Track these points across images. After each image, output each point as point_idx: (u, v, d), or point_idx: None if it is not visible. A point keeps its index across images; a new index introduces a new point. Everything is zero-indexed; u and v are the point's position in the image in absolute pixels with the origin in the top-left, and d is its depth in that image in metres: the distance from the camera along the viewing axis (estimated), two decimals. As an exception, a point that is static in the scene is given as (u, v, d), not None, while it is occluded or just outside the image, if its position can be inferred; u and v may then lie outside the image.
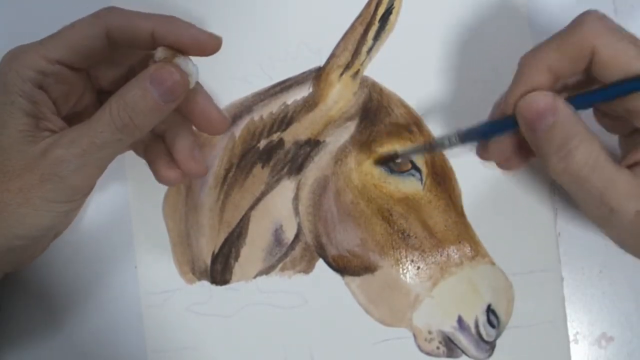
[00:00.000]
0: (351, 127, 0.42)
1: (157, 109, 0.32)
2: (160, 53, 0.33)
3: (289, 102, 0.42)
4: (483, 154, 0.36)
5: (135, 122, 0.32)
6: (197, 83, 0.35)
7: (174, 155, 0.36)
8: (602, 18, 0.32)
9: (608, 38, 0.31)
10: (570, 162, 0.31)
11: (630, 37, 0.31)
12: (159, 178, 0.37)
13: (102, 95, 0.37)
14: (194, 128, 0.37)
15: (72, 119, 0.35)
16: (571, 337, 0.41)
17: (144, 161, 0.38)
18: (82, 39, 0.33)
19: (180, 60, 0.33)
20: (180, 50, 0.33)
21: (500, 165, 0.36)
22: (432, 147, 0.36)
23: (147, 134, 0.35)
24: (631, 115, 0.32)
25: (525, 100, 0.32)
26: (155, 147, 0.37)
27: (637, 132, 0.33)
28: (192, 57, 0.34)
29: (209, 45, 0.34)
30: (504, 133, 0.34)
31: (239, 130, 0.42)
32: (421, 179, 0.41)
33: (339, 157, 0.41)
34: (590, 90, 0.33)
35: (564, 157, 0.32)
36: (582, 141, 0.31)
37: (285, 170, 0.42)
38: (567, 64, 0.32)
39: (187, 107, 0.35)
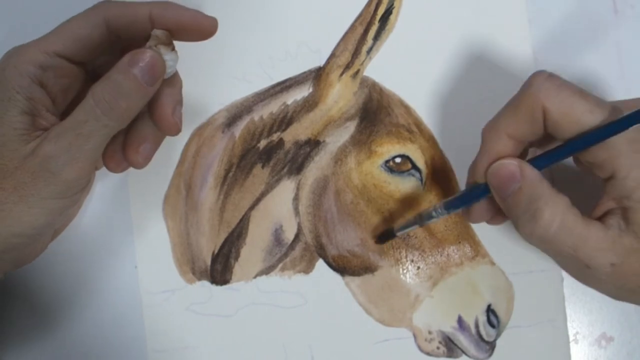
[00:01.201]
0: (351, 127, 0.42)
1: (140, 89, 0.32)
2: (154, 33, 0.33)
3: (289, 102, 0.42)
4: (468, 217, 0.37)
5: (122, 104, 0.32)
6: (178, 79, 0.35)
7: (125, 138, 0.36)
8: (549, 77, 0.32)
9: (556, 96, 0.32)
10: (536, 224, 0.32)
11: (579, 92, 0.32)
12: (102, 160, 0.37)
13: None
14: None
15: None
16: (571, 337, 0.41)
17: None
18: (80, 29, 0.33)
19: (161, 49, 0.33)
20: (179, 32, 0.34)
21: (489, 222, 0.37)
22: (423, 220, 0.37)
23: None
24: (592, 167, 0.33)
25: (493, 169, 0.33)
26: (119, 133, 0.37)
27: (611, 178, 0.33)
28: (189, 44, 0.35)
29: (206, 25, 0.34)
30: (482, 199, 0.35)
31: (239, 130, 0.42)
32: (421, 179, 0.41)
33: (339, 157, 0.41)
34: (550, 150, 0.33)
35: (530, 219, 0.32)
36: (547, 202, 0.32)
37: (285, 170, 0.42)
38: (524, 128, 0.33)
39: (153, 98, 0.35)
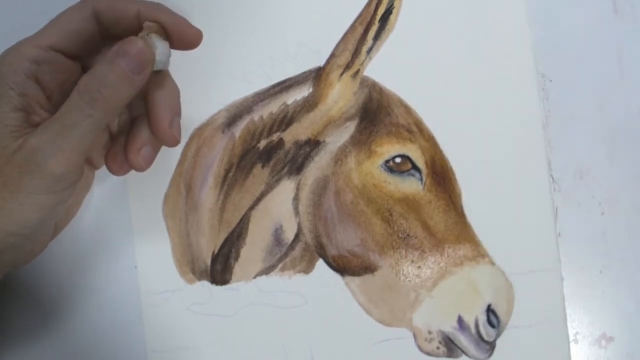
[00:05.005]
0: (351, 127, 0.42)
1: (125, 79, 0.32)
2: (146, 24, 0.33)
3: (289, 102, 0.42)
4: None
5: (104, 95, 0.31)
6: (174, 88, 0.35)
7: (126, 141, 0.36)
8: None
9: None
10: None
11: None
12: (104, 161, 0.37)
13: None
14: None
15: None
16: (571, 337, 0.41)
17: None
18: (71, 22, 0.34)
19: (153, 37, 0.33)
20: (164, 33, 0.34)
21: None
22: None
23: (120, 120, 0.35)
24: None
25: None
26: (120, 133, 0.37)
27: None
28: (182, 53, 0.35)
29: (190, 35, 0.34)
30: None
31: (239, 130, 0.42)
32: (421, 179, 0.41)
33: (339, 157, 0.41)
34: None
35: None
36: None
37: (285, 170, 0.42)
38: None
39: (149, 108, 0.35)
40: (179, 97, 0.36)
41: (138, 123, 0.36)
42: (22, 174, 0.31)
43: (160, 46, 0.33)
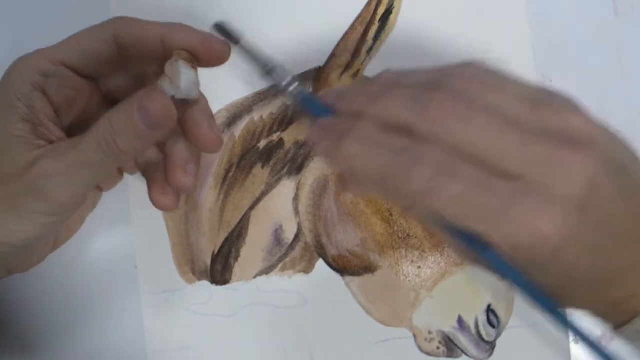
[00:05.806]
0: (351, 127, 0.42)
1: (142, 135, 0.31)
2: (175, 53, 0.32)
3: (289, 102, 0.42)
4: None
5: (119, 146, 0.31)
6: (199, 96, 0.34)
7: (166, 166, 0.35)
8: None
9: None
10: None
11: None
12: (153, 202, 0.36)
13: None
14: None
15: (79, 128, 0.34)
16: (571, 337, 0.41)
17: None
18: (88, 42, 0.33)
19: (180, 63, 0.32)
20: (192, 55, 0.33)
21: None
22: None
23: (149, 151, 0.35)
24: None
25: None
26: (153, 166, 0.36)
27: None
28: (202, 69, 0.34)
29: (219, 50, 0.33)
30: None
31: (239, 130, 0.42)
32: (421, 179, 0.41)
33: (339, 157, 0.41)
34: None
35: None
36: None
37: (285, 170, 0.42)
38: None
39: (182, 119, 0.34)
40: (207, 102, 0.35)
41: (171, 148, 0.35)
42: (27, 194, 0.31)
43: (185, 73, 0.32)
